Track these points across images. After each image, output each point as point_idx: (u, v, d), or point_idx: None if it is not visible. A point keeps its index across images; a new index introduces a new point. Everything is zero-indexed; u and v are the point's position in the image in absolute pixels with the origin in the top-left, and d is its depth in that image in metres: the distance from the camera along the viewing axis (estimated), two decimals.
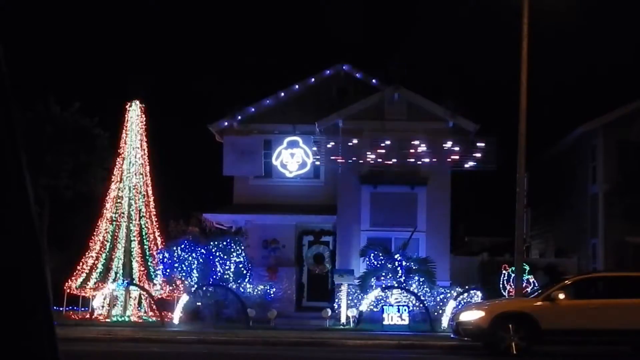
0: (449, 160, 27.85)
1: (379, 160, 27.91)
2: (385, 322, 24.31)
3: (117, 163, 28.33)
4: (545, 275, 26.34)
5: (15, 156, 2.27)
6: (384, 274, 25.83)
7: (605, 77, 43.85)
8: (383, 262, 25.93)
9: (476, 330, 18.11)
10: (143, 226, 28.17)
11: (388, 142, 27.85)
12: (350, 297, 25.98)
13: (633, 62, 40.81)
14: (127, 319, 26.60)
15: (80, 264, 27.59)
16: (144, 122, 28.98)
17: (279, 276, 28.45)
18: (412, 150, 27.90)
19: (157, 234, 28.43)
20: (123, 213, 28.01)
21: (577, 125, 30.17)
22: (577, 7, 25.35)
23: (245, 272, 26.77)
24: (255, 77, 48.29)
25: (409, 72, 28.55)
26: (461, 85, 47.14)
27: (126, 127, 28.72)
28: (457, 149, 27.88)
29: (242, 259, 26.71)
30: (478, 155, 27.90)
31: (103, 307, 26.94)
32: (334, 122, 28.60)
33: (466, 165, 28.02)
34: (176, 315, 25.46)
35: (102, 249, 27.68)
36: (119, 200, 28.13)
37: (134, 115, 28.75)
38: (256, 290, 27.06)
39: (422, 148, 27.81)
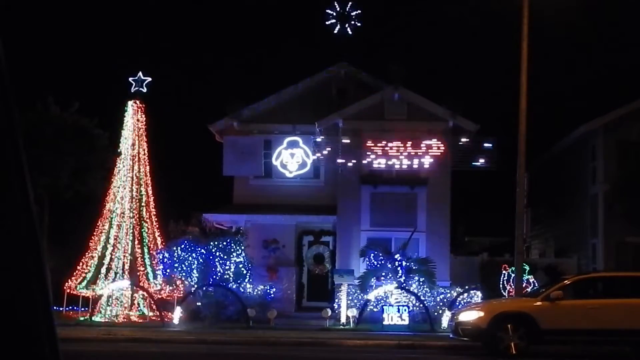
0: (449, 160, 27.87)
1: (379, 160, 27.92)
2: (385, 322, 24.31)
3: (117, 163, 28.33)
4: (546, 275, 26.32)
5: (15, 156, 2.27)
6: (384, 274, 25.83)
7: (605, 77, 43.84)
8: (383, 262, 25.93)
9: (475, 331, 18.12)
10: (143, 226, 28.17)
11: (388, 142, 27.84)
12: (350, 297, 25.98)
13: (633, 62, 40.80)
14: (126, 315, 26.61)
15: (80, 264, 27.57)
16: (144, 122, 28.98)
17: (279, 276, 28.45)
18: (412, 150, 27.90)
19: (157, 234, 28.43)
20: (123, 213, 28.02)
21: (577, 125, 30.18)
22: (577, 7, 25.36)
23: (245, 272, 26.78)
24: (256, 77, 48.33)
25: (408, 72, 28.57)
26: (461, 85, 47.16)
27: (126, 127, 28.72)
28: (456, 149, 27.89)
29: (242, 259, 26.72)
30: (478, 155, 27.91)
31: (103, 307, 26.93)
32: (334, 122, 28.60)
33: (466, 166, 28.05)
34: (176, 315, 25.45)
35: (102, 249, 27.68)
36: (119, 201, 28.13)
37: (134, 115, 28.75)
38: (256, 290, 27.06)
39: (422, 148, 27.81)
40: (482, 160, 27.99)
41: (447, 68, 54.26)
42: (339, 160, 28.14)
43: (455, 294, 25.87)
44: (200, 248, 26.41)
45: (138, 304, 27.86)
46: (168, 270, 26.60)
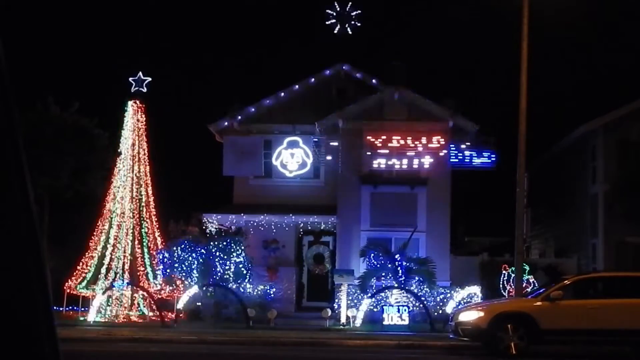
0: (449, 160, 27.88)
1: (379, 160, 27.92)
2: (385, 322, 24.31)
3: (117, 163, 28.33)
4: (546, 275, 26.32)
5: (15, 156, 2.27)
6: (384, 274, 25.83)
7: (605, 77, 43.87)
8: (383, 262, 25.93)
9: (475, 331, 18.12)
10: (143, 226, 28.17)
11: (388, 142, 27.84)
12: (350, 297, 25.98)
13: (633, 62, 40.84)
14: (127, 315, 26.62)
15: (80, 264, 27.57)
16: (144, 122, 28.98)
17: (279, 276, 28.44)
18: (412, 150, 27.91)
19: (157, 234, 28.43)
20: (123, 213, 28.01)
21: (577, 125, 30.17)
22: (577, 7, 25.37)
23: (245, 272, 26.77)
24: (256, 77, 48.33)
25: (409, 71, 28.57)
26: (462, 85, 47.17)
27: (126, 127, 28.72)
28: (457, 149, 27.90)
29: (242, 259, 26.71)
30: (478, 155, 27.92)
31: (103, 307, 26.93)
32: (333, 122, 28.60)
33: (466, 166, 28.06)
34: (176, 316, 25.44)
35: (102, 249, 27.66)
36: (119, 200, 28.13)
37: (134, 115, 28.75)
38: (256, 290, 27.06)
39: (422, 148, 27.81)
40: (482, 160, 27.99)
41: (447, 68, 54.26)
42: (339, 160, 28.15)
43: (455, 294, 25.87)
44: (200, 248, 26.41)
45: (138, 304, 27.86)
46: (168, 270, 26.60)
